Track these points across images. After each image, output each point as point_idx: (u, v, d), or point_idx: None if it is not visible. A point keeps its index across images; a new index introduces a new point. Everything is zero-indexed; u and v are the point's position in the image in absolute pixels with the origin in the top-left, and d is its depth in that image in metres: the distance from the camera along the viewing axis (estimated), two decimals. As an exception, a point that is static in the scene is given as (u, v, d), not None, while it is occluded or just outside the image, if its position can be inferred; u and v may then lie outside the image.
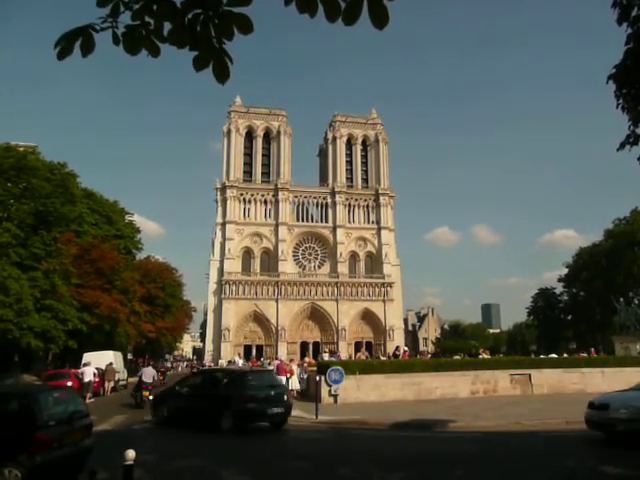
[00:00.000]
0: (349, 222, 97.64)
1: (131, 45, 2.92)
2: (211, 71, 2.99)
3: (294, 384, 22.83)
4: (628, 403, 11.40)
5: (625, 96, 6.57)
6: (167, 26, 2.93)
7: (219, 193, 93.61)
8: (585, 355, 34.91)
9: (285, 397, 15.35)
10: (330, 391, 20.08)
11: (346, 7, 2.79)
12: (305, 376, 24.62)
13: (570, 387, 23.63)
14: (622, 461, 9.92)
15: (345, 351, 79.24)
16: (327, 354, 40.06)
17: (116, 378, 30.80)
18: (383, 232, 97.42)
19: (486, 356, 30.47)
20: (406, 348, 46.58)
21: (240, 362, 59.51)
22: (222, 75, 3.01)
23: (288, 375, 22.53)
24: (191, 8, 2.86)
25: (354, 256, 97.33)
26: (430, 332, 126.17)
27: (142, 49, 2.96)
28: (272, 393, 14.70)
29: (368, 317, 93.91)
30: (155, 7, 2.89)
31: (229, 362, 61.17)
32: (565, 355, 37.84)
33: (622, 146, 6.75)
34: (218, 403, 14.04)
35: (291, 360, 32.94)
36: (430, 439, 13.02)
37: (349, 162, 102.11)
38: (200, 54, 2.95)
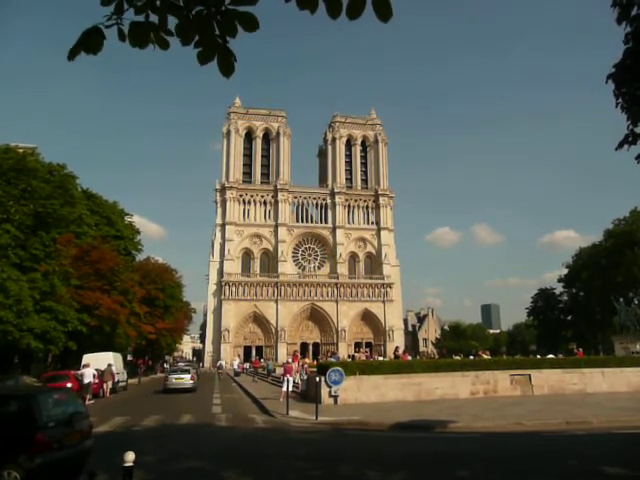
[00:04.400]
0: (349, 223, 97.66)
1: (137, 39, 2.93)
2: (216, 65, 3.02)
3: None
4: None
5: (624, 95, 6.56)
6: (173, 21, 2.95)
7: (219, 194, 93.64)
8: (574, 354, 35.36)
9: None
10: (330, 392, 20.06)
11: (350, 1, 2.78)
12: (305, 377, 24.61)
13: (570, 387, 23.63)
14: (622, 461, 9.92)
15: (345, 352, 79.28)
16: (363, 354, 39.43)
17: (115, 379, 30.75)
18: (383, 233, 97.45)
19: (486, 357, 30.39)
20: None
21: (236, 363, 59.57)
22: (227, 69, 3.04)
23: (288, 376, 22.59)
24: (193, 5, 2.87)
25: (354, 257, 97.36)
26: (430, 333, 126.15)
27: (149, 43, 2.97)
28: None
29: (368, 318, 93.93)
30: (158, 3, 2.91)
31: (219, 365, 61.85)
32: (556, 355, 37.96)
33: (620, 145, 6.73)
34: None
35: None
36: (430, 440, 13.00)
37: (348, 163, 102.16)
38: (204, 50, 2.97)
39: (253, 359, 74.88)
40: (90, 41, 2.91)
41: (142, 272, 55.14)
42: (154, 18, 2.96)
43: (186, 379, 30.69)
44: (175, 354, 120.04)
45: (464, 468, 9.48)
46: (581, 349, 43.73)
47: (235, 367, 57.16)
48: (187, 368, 35.00)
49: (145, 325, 51.16)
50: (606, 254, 67.35)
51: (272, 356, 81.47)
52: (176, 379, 30.77)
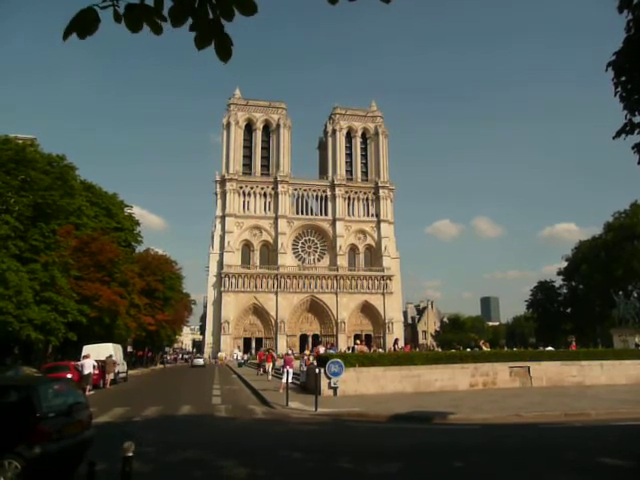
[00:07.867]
0: (348, 215, 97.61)
1: (132, 23, 2.90)
2: (214, 50, 3.00)
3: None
4: None
5: (624, 84, 6.52)
6: (168, 4, 2.92)
7: (219, 186, 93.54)
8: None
9: None
10: (330, 383, 20.11)
11: None
12: (305, 368, 24.68)
13: (569, 380, 23.69)
14: (621, 453, 9.95)
15: (344, 344, 79.48)
16: (363, 346, 39.36)
17: (116, 370, 30.86)
18: (383, 225, 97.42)
19: (486, 348, 30.48)
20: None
21: (239, 354, 60.30)
22: (224, 54, 3.01)
23: (287, 368, 22.64)
24: None
25: (353, 249, 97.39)
26: (429, 325, 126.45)
27: (143, 26, 2.94)
28: None
29: (367, 310, 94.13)
30: None
31: (217, 356, 64.15)
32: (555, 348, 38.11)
33: (618, 134, 6.71)
34: None
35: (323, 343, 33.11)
36: (429, 431, 13.04)
37: (349, 155, 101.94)
38: (200, 34, 2.95)
39: (253, 351, 75.16)
40: (84, 21, 2.87)
41: (142, 264, 55.07)
42: (149, 1, 2.93)
43: (201, 361, 64.91)
44: (175, 346, 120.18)
45: (462, 459, 9.51)
46: (574, 341, 43.79)
47: (238, 358, 58.38)
48: (201, 357, 73.09)
49: (145, 316, 51.18)
50: (606, 247, 67.33)
51: (272, 348, 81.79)
52: (196, 360, 65.39)
